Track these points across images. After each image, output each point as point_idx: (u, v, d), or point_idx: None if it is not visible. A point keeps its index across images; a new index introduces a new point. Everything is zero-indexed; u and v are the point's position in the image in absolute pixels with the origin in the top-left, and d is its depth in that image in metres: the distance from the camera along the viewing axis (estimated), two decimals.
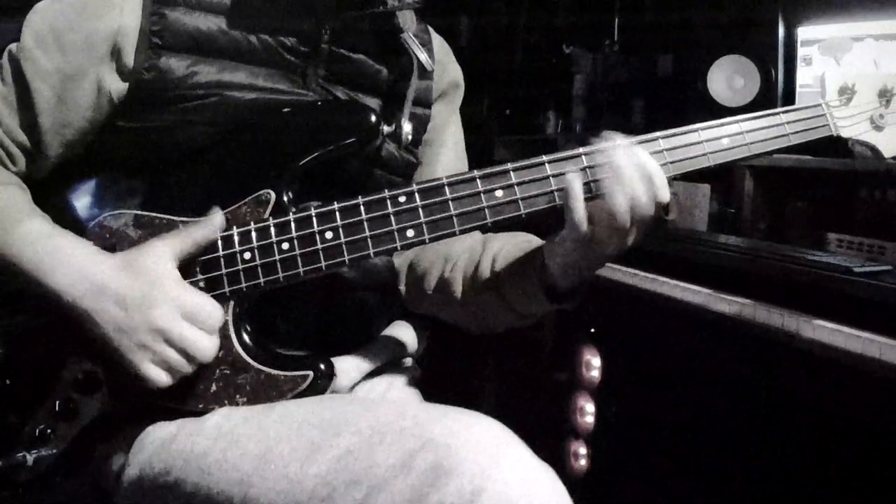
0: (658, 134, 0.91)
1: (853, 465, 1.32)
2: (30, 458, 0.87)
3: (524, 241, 1.03)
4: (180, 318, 0.82)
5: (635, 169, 0.86)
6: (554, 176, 0.89)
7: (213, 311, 0.85)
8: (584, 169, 0.89)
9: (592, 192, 0.88)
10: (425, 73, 1.05)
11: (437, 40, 1.13)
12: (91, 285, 0.83)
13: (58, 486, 0.90)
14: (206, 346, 0.84)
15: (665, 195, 0.88)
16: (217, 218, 0.88)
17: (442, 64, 1.11)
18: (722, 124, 0.93)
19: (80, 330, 0.84)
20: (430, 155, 1.13)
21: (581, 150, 0.89)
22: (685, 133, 0.92)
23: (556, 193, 0.89)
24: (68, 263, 0.84)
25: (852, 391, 1.25)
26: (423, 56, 1.02)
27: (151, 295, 0.82)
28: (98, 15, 0.91)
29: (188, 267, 0.88)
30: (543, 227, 0.97)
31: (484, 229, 0.91)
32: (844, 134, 0.98)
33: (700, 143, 0.92)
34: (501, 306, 1.02)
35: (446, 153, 1.14)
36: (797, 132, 0.95)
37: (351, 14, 0.97)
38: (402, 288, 1.14)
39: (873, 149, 1.00)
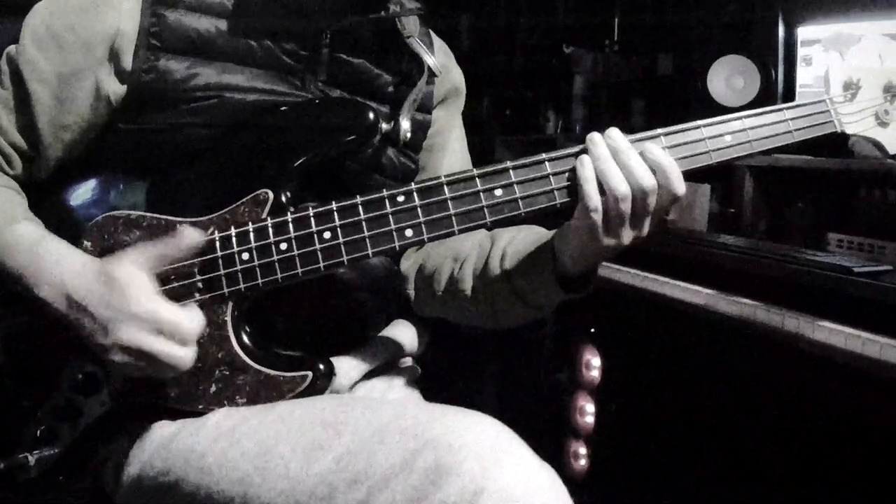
0: (660, 130, 0.89)
1: (853, 464, 1.31)
2: (32, 459, 0.87)
3: (533, 233, 1.02)
4: (150, 333, 0.81)
5: (642, 162, 0.85)
6: (554, 174, 0.88)
7: (187, 321, 0.83)
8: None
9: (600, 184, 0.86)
10: (431, 78, 1.05)
11: (439, 44, 1.13)
12: (69, 301, 0.83)
13: (59, 487, 0.90)
14: (180, 356, 0.82)
15: (679, 188, 0.86)
16: (186, 230, 0.86)
17: (444, 69, 1.10)
18: (724, 121, 0.91)
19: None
20: (433, 160, 1.12)
21: (581, 147, 0.88)
22: (687, 130, 0.90)
23: (556, 192, 0.88)
24: (50, 276, 0.84)
25: (852, 391, 1.25)
26: (431, 60, 1.02)
27: (121, 312, 0.81)
28: (97, 16, 0.91)
29: (186, 269, 0.88)
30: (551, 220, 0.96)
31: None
32: (849, 130, 0.95)
33: (703, 140, 0.90)
34: (513, 300, 1.01)
35: (449, 158, 1.13)
36: (801, 129, 0.93)
37: (352, 19, 0.97)
38: (411, 292, 1.12)
39: (878, 145, 0.98)
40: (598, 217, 0.86)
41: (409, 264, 1.13)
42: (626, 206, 0.85)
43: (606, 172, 0.85)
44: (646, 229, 0.88)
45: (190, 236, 0.87)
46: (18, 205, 0.92)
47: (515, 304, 1.01)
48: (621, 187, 0.85)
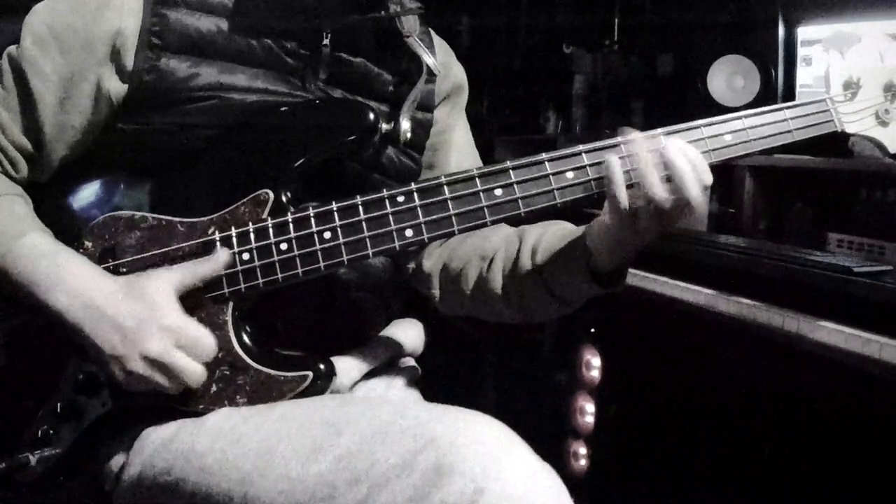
0: (660, 130, 0.89)
1: (853, 464, 1.32)
2: (33, 459, 0.87)
3: (562, 229, 1.02)
4: (174, 347, 0.83)
5: (679, 154, 0.86)
6: (554, 174, 0.89)
7: (207, 342, 0.86)
8: (621, 158, 0.88)
9: (631, 179, 0.87)
10: (431, 77, 1.05)
11: (439, 42, 1.13)
12: (89, 308, 0.84)
13: (60, 487, 0.90)
14: (197, 373, 0.86)
15: (707, 177, 0.87)
16: (223, 254, 0.88)
17: (445, 66, 1.10)
18: (724, 120, 0.91)
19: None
20: (440, 158, 1.12)
21: (581, 147, 0.89)
22: (687, 129, 0.90)
23: (555, 192, 0.89)
24: (67, 283, 0.85)
25: (852, 391, 1.25)
26: (430, 60, 1.02)
27: (148, 323, 0.83)
28: (98, 15, 0.91)
29: None
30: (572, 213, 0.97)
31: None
32: (849, 129, 0.96)
33: (703, 140, 0.90)
34: (544, 296, 1.01)
35: (457, 155, 1.13)
36: (801, 128, 0.93)
37: (352, 18, 0.97)
38: (436, 292, 1.11)
39: (879, 145, 0.98)
40: (628, 213, 0.87)
41: (431, 263, 1.11)
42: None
43: (638, 171, 0.86)
44: (676, 220, 0.89)
45: (218, 262, 0.88)
46: (27, 214, 0.92)
47: (547, 300, 1.01)
48: (655, 186, 0.85)
